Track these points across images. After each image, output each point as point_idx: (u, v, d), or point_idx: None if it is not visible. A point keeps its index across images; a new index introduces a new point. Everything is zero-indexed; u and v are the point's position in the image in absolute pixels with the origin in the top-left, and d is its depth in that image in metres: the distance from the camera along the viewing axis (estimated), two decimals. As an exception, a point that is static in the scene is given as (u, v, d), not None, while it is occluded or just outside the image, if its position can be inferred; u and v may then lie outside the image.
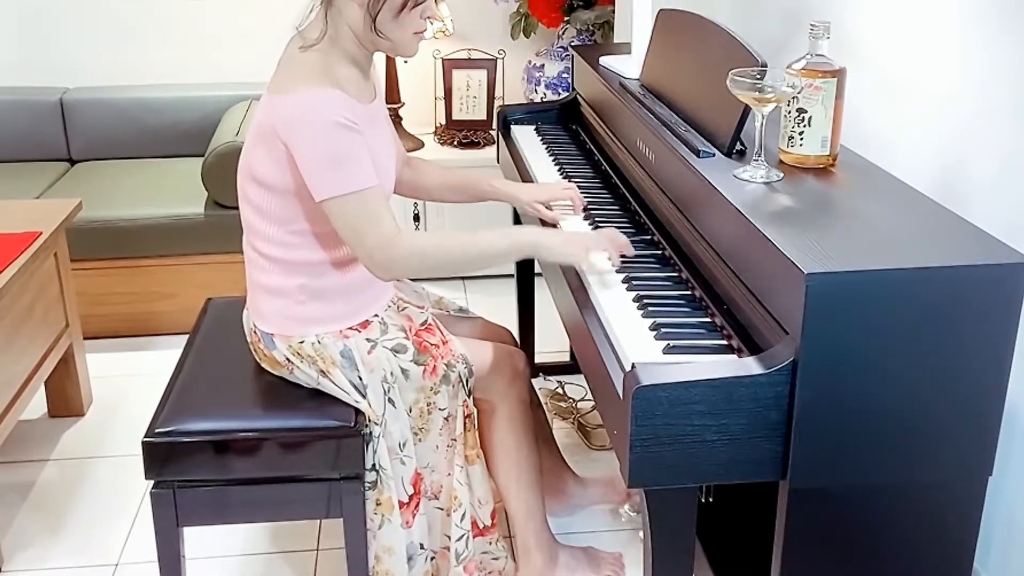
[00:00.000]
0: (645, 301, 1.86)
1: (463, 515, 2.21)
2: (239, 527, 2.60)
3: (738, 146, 2.02)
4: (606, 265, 1.99)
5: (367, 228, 1.95)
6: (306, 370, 2.10)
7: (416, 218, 3.98)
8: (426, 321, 2.22)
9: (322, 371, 2.09)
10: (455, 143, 4.18)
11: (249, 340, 2.21)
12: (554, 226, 2.27)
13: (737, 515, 2.23)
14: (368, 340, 2.10)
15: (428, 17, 2.01)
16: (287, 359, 2.11)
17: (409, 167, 2.40)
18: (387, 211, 1.98)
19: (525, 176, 2.67)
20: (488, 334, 2.44)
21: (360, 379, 2.08)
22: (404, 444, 2.13)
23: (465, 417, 2.20)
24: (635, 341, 1.73)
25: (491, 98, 4.22)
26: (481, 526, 2.26)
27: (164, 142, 4.11)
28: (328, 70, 1.97)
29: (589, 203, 2.34)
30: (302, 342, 2.09)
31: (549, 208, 2.33)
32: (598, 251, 2.01)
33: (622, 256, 2.02)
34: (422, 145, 4.17)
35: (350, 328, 2.11)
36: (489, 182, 2.44)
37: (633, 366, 1.58)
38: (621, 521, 2.62)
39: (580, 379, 3.19)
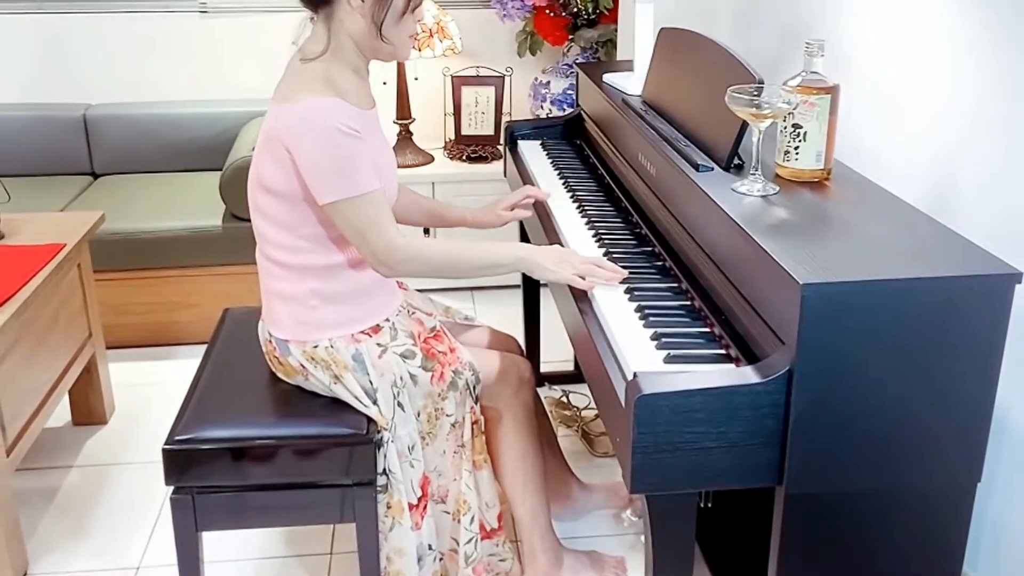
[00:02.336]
0: (646, 311, 1.86)
1: (472, 519, 2.22)
2: (255, 531, 2.61)
3: (736, 160, 2.03)
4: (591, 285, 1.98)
5: (370, 230, 1.97)
6: (320, 376, 2.11)
7: (426, 231, 3.99)
8: (435, 328, 2.24)
9: (335, 376, 2.10)
10: (464, 158, 4.19)
11: (265, 350, 2.22)
12: (551, 237, 2.28)
13: (735, 520, 2.23)
14: (378, 345, 2.12)
15: (420, 20, 2.07)
16: (302, 365, 2.12)
17: None
18: (389, 214, 2.01)
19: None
20: (495, 343, 2.45)
21: (371, 383, 2.09)
22: (412, 448, 2.14)
23: (472, 423, 2.20)
24: (637, 350, 1.73)
25: (499, 114, 4.23)
26: (488, 529, 2.27)
27: (183, 157, 4.13)
28: (330, 79, 1.99)
29: (593, 216, 2.35)
30: (316, 347, 2.10)
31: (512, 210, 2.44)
32: (586, 273, 1.99)
33: (619, 260, 2.04)
34: (432, 159, 4.17)
35: (361, 332, 2.12)
36: (461, 214, 2.48)
37: (635, 375, 1.58)
38: (623, 525, 2.62)
39: (584, 388, 3.18)
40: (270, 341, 2.16)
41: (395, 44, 2.03)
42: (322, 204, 1.96)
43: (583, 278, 1.99)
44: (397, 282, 2.28)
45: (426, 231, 3.93)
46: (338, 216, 1.97)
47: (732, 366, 1.67)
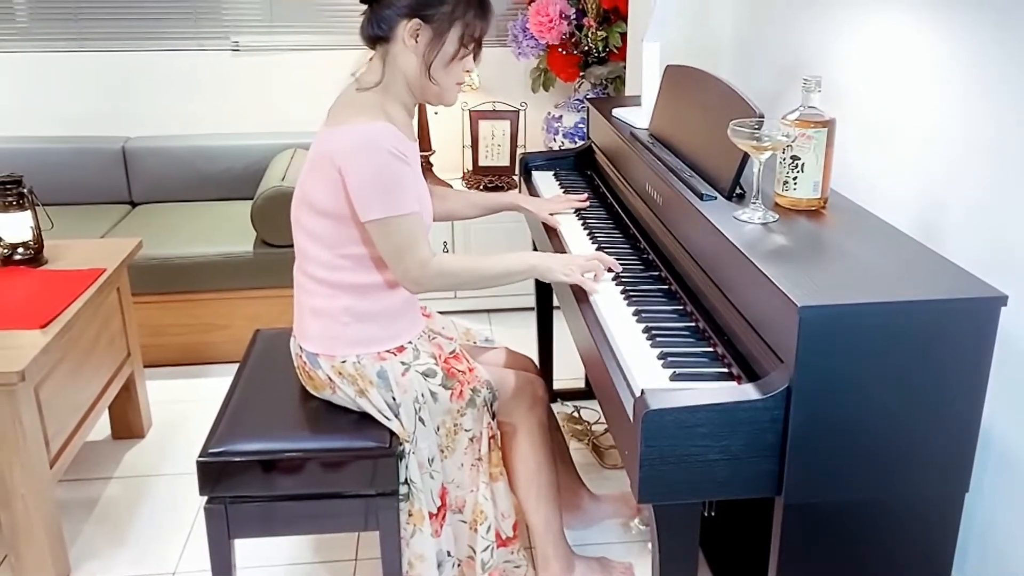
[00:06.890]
0: (653, 332, 1.88)
1: (488, 527, 2.23)
2: (285, 539, 2.63)
3: (738, 190, 2.05)
4: (597, 286, 2.10)
5: (406, 249, 2.01)
6: (346, 389, 2.13)
7: (444, 247, 4.02)
8: (454, 350, 2.26)
9: (361, 391, 2.12)
10: (481, 187, 4.21)
11: (296, 364, 2.24)
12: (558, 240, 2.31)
13: (737, 528, 2.23)
14: (402, 363, 2.14)
15: (468, 71, 2.12)
16: (330, 379, 2.14)
17: (435, 196, 2.45)
18: (424, 236, 2.05)
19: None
20: (511, 362, 2.47)
21: (394, 399, 2.11)
22: (432, 460, 2.16)
23: (489, 438, 2.22)
24: (644, 369, 1.75)
25: (514, 146, 4.25)
26: (504, 537, 2.28)
27: (217, 186, 4.17)
28: (382, 108, 2.04)
29: (603, 242, 2.37)
30: (344, 362, 2.12)
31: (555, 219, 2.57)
32: (589, 271, 2.11)
33: (627, 284, 2.07)
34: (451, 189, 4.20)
35: (387, 351, 2.14)
36: (507, 196, 2.66)
37: (642, 392, 1.59)
38: (631, 534, 2.62)
39: (594, 404, 3.20)
40: (301, 355, 2.19)
41: (442, 87, 2.08)
42: (365, 221, 1.99)
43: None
44: (421, 308, 2.31)
45: (444, 249, 3.97)
46: (379, 233, 2.00)
47: (734, 384, 1.67)
